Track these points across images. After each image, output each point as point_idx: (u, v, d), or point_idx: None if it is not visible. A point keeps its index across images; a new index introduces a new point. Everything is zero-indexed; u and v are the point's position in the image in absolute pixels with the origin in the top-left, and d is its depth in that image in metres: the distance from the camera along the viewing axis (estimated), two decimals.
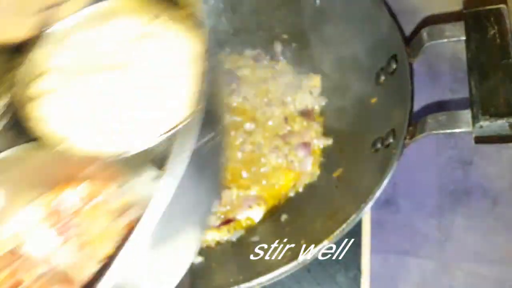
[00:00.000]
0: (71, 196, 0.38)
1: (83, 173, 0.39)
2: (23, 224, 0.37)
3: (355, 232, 0.61)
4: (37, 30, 0.41)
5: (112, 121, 0.37)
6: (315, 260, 0.50)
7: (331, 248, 0.50)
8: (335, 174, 0.59)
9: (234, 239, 0.58)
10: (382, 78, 0.58)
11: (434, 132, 0.48)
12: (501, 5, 0.52)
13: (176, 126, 0.35)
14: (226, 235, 0.58)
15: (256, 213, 0.60)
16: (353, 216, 0.49)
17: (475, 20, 0.52)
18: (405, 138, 0.51)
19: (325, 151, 0.64)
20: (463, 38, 0.52)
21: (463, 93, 0.72)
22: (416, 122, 0.51)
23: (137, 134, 0.36)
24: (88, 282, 0.36)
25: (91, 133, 0.36)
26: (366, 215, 0.63)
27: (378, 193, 0.50)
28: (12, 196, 0.36)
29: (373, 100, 0.59)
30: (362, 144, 0.57)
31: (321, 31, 0.66)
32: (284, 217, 0.58)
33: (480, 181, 0.67)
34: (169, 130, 0.35)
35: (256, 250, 0.55)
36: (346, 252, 0.60)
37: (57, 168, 0.38)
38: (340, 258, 0.60)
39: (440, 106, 0.72)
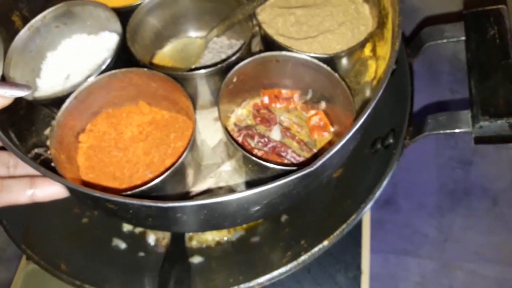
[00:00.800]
0: (265, 99, 0.56)
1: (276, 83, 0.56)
2: (240, 116, 0.56)
3: (355, 232, 0.61)
4: None
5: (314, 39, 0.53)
6: (315, 260, 0.50)
7: (331, 248, 0.50)
8: (335, 174, 0.59)
9: (234, 239, 0.58)
10: None
11: (434, 132, 0.48)
12: (501, 6, 0.52)
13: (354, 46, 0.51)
14: (226, 235, 0.58)
15: None
16: (353, 216, 0.50)
17: (475, 20, 0.52)
18: (405, 138, 0.51)
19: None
20: (463, 38, 0.52)
21: (463, 93, 0.72)
22: (416, 122, 0.51)
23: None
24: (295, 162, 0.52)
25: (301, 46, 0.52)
26: (366, 215, 0.63)
27: (378, 193, 0.50)
28: (232, 99, 0.55)
29: None
30: (362, 144, 0.57)
31: None
32: (284, 217, 0.58)
33: (480, 181, 0.67)
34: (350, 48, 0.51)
35: (256, 250, 0.55)
36: (346, 252, 0.60)
37: (259, 80, 0.55)
38: (340, 258, 0.60)
39: (440, 106, 0.72)
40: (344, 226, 0.49)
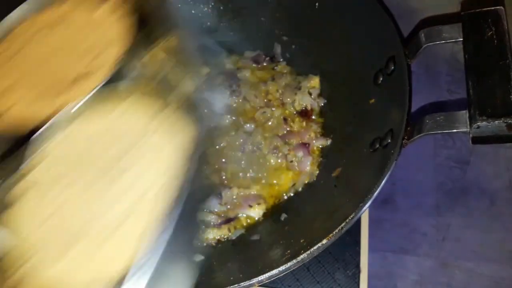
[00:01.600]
0: None
1: None
2: None
3: (354, 231, 0.62)
4: (54, 113, 0.40)
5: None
6: (314, 258, 0.50)
7: (330, 246, 0.50)
8: (334, 174, 0.60)
9: (234, 237, 0.58)
10: (381, 79, 0.58)
11: (432, 132, 0.49)
12: (499, 7, 0.52)
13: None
14: (227, 234, 0.58)
15: (256, 212, 0.60)
16: (352, 215, 0.50)
17: (473, 21, 0.52)
18: (403, 138, 0.52)
19: (324, 151, 0.65)
20: (461, 39, 0.52)
21: (460, 93, 0.73)
22: (414, 122, 0.52)
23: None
24: None
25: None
26: (364, 214, 0.63)
27: (376, 193, 0.50)
28: None
29: (372, 101, 0.59)
30: (360, 144, 0.58)
31: (320, 33, 0.67)
32: (284, 216, 0.59)
33: (478, 180, 0.68)
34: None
35: (256, 248, 0.55)
36: (345, 250, 0.61)
37: None
38: (339, 256, 0.60)
39: (437, 107, 0.73)
40: (343, 224, 0.50)
